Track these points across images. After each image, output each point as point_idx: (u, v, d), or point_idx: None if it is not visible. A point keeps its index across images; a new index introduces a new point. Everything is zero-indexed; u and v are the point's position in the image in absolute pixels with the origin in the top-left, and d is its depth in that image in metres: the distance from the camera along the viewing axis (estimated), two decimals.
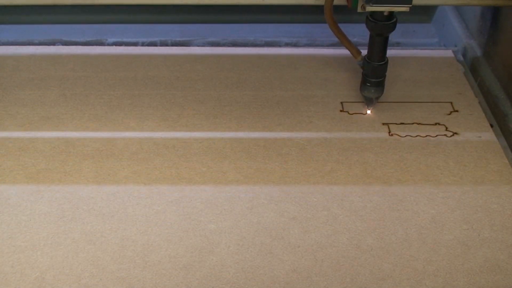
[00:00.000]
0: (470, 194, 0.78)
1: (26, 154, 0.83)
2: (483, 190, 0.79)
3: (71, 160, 0.82)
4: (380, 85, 0.88)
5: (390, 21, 0.82)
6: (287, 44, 1.13)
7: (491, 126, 0.89)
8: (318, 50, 1.05)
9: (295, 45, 1.13)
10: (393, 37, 1.16)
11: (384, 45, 0.85)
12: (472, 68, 1.03)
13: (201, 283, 0.67)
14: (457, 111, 0.91)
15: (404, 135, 0.87)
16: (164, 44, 1.11)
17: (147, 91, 0.95)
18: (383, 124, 0.89)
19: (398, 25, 1.21)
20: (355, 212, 0.76)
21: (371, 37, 0.85)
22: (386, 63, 0.86)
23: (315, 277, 0.68)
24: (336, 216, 0.75)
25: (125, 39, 1.12)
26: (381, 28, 0.83)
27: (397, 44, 1.15)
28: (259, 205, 0.76)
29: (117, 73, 0.99)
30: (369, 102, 0.90)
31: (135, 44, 1.11)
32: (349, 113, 0.91)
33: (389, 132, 0.87)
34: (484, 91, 0.97)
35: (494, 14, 0.99)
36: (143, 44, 1.11)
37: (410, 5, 0.79)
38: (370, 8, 0.80)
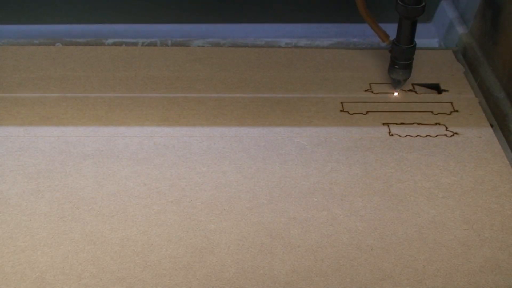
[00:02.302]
0: (470, 194, 0.78)
1: (26, 154, 0.83)
2: (483, 190, 0.79)
3: (71, 160, 0.82)
4: (408, 67, 0.92)
5: (419, 5, 0.86)
6: (287, 44, 1.13)
7: (491, 126, 0.89)
8: (318, 50, 1.05)
9: (295, 45, 1.13)
10: (393, 37, 1.16)
11: (413, 28, 0.89)
12: (472, 68, 1.03)
13: (201, 283, 0.67)
14: (457, 111, 0.91)
15: (404, 135, 0.87)
16: (164, 44, 1.11)
17: (147, 91, 0.95)
18: (383, 124, 0.89)
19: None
20: (355, 212, 0.76)
21: (400, 20, 0.89)
22: (414, 46, 0.91)
23: (315, 277, 0.68)
24: (336, 216, 0.75)
25: (125, 39, 1.12)
26: (410, 12, 0.87)
27: None
28: (259, 205, 0.76)
29: (117, 73, 0.99)
30: (396, 84, 0.94)
31: (135, 44, 1.11)
32: (349, 113, 0.91)
33: (389, 132, 0.87)
34: (484, 91, 0.97)
35: (494, 14, 0.99)
36: (143, 44, 1.11)
37: None
38: None
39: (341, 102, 0.93)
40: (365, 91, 0.95)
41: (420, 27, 1.19)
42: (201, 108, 0.92)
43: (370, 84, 0.97)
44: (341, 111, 0.91)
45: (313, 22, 1.15)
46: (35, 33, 1.13)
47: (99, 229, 0.73)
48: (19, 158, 0.82)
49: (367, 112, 0.91)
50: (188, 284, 0.67)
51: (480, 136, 0.87)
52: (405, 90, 0.95)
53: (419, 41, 1.16)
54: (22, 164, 0.82)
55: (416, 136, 0.87)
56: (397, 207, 0.76)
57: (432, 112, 0.91)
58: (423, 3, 0.87)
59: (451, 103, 0.93)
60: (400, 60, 0.91)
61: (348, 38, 1.16)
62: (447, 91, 0.96)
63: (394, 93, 0.94)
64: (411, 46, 0.90)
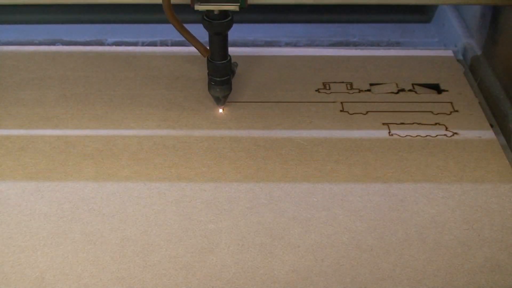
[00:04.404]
0: (470, 194, 0.78)
1: (26, 154, 0.83)
2: (483, 190, 0.79)
3: (71, 160, 0.82)
4: (225, 83, 0.87)
5: (225, 19, 0.82)
6: (287, 44, 1.13)
7: (491, 126, 0.89)
8: (318, 50, 1.05)
9: (295, 45, 1.13)
10: (393, 37, 1.16)
11: (223, 43, 0.84)
12: (472, 68, 1.03)
13: (201, 283, 0.67)
14: (457, 111, 0.91)
15: (404, 135, 0.87)
16: (164, 44, 1.11)
17: (147, 91, 0.95)
18: (383, 124, 0.89)
19: (398, 25, 1.21)
20: (355, 212, 0.76)
21: (210, 36, 0.84)
22: (229, 61, 0.86)
23: (315, 277, 0.68)
24: (336, 216, 0.75)
25: (125, 39, 1.12)
26: (217, 27, 0.82)
27: (397, 44, 1.16)
28: (259, 205, 0.76)
29: (117, 73, 0.99)
30: (217, 101, 0.90)
31: (135, 44, 1.11)
32: (349, 113, 0.91)
33: (389, 132, 0.87)
34: (484, 91, 0.97)
35: (494, 14, 0.99)
36: (143, 44, 1.11)
37: (238, 4, 0.80)
38: (198, 7, 0.80)
39: (341, 102, 0.93)
40: (365, 91, 0.95)
41: (420, 27, 1.20)
42: (201, 108, 0.92)
43: (370, 84, 0.97)
44: (341, 111, 0.91)
45: (313, 22, 1.15)
46: (35, 33, 1.13)
47: (99, 229, 0.73)
48: (19, 158, 0.82)
49: (367, 112, 0.91)
50: (188, 284, 0.67)
51: (480, 136, 0.87)
52: (405, 90, 0.96)
53: (419, 40, 1.17)
54: (22, 164, 0.82)
55: (416, 136, 0.87)
56: (397, 207, 0.76)
57: (432, 112, 0.91)
58: (230, 17, 0.82)
59: (451, 103, 0.93)
60: (216, 76, 0.87)
61: (348, 38, 1.16)
62: (447, 91, 0.96)
63: (219, 110, 0.91)
64: (225, 61, 0.86)
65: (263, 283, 0.68)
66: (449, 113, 0.91)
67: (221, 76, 0.87)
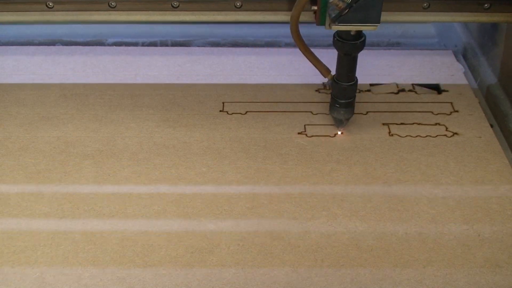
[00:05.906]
0: (470, 194, 0.78)
1: (26, 154, 0.83)
2: (483, 190, 0.79)
3: (71, 160, 0.82)
4: (349, 106, 0.85)
5: (358, 40, 0.78)
6: (287, 44, 1.13)
7: (491, 126, 0.89)
8: (318, 50, 1.05)
9: (295, 45, 1.13)
10: (393, 37, 1.16)
11: (353, 65, 0.81)
12: (472, 68, 1.03)
13: (201, 283, 0.67)
14: (457, 111, 0.91)
15: (404, 135, 0.87)
16: (164, 44, 1.11)
17: (147, 91, 0.95)
18: (383, 124, 0.89)
19: (398, 25, 1.21)
20: (355, 212, 0.76)
21: (339, 56, 0.81)
22: (356, 83, 0.83)
23: (315, 277, 0.68)
24: (336, 216, 0.75)
25: (125, 39, 1.12)
26: (349, 48, 0.79)
27: (397, 44, 1.15)
28: (259, 205, 0.76)
29: (117, 73, 0.99)
30: (339, 123, 0.87)
31: (135, 44, 1.11)
32: None
33: (389, 132, 0.87)
34: (484, 91, 0.97)
35: None
36: (143, 44, 1.11)
37: (378, 24, 0.75)
38: (336, 27, 0.76)
39: None
40: (365, 91, 0.95)
41: (420, 27, 1.19)
42: (201, 108, 0.92)
43: (370, 84, 0.97)
44: None
45: (313, 22, 1.15)
46: (35, 33, 1.13)
47: (99, 229, 0.73)
48: (19, 158, 0.82)
49: (367, 112, 0.91)
50: (188, 284, 0.67)
51: (480, 136, 0.87)
52: (405, 90, 0.96)
53: (419, 40, 1.17)
54: (22, 164, 0.82)
55: (416, 136, 0.87)
56: (397, 207, 0.76)
57: (432, 112, 0.91)
58: (363, 38, 0.79)
59: (451, 103, 0.93)
60: (340, 98, 0.83)
61: None
62: (447, 91, 0.96)
63: (337, 132, 0.87)
64: (352, 83, 0.82)
65: (263, 283, 0.68)
66: (449, 113, 0.91)
67: (347, 99, 0.84)
